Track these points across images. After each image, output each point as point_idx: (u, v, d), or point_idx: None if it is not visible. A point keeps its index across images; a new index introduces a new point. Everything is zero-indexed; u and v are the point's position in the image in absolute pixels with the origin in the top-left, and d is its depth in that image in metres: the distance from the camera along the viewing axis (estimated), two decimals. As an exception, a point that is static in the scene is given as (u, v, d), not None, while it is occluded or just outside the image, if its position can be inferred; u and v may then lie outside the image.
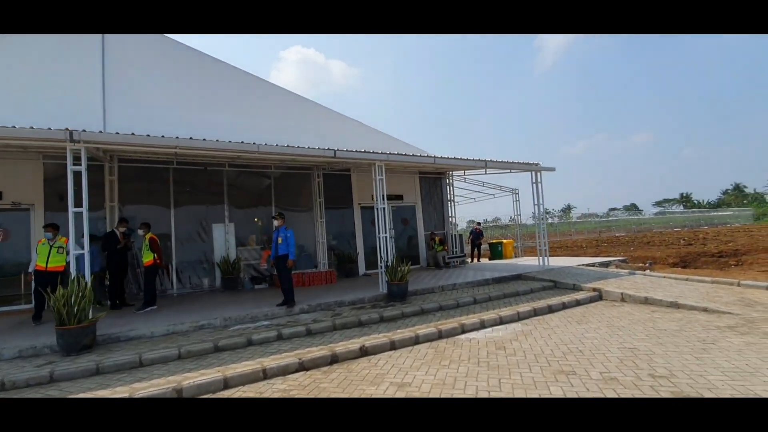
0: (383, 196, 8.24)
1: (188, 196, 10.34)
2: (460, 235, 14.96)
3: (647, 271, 11.88)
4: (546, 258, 11.09)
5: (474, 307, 7.29)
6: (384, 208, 8.27)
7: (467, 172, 14.08)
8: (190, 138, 6.55)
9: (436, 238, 12.97)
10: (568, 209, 72.53)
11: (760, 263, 12.63)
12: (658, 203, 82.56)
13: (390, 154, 8.12)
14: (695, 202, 76.67)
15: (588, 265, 11.56)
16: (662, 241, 23.32)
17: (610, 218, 48.94)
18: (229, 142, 6.71)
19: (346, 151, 7.68)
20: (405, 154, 8.38)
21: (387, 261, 7.96)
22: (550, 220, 52.83)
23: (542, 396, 3.63)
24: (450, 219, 14.48)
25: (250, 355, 5.09)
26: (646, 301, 7.22)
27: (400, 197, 13.45)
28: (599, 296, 7.94)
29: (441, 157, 8.91)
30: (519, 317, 6.66)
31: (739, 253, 14.87)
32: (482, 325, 6.24)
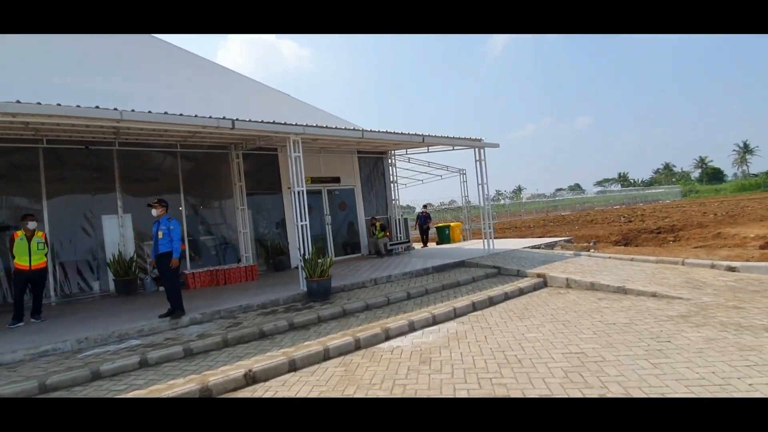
0: (301, 177, 6.94)
1: (66, 184, 8.41)
2: (405, 220, 14.00)
3: (592, 251, 11.57)
4: (491, 241, 10.37)
5: (406, 304, 6.28)
6: (302, 191, 6.97)
7: (410, 151, 13.03)
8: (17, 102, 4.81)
9: (377, 224, 11.89)
10: (518, 190, 74.93)
11: (695, 238, 12.80)
12: (599, 183, 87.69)
13: (307, 126, 6.78)
14: (632, 181, 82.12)
15: (534, 247, 11.01)
16: (604, 218, 23.94)
17: (556, 198, 50.67)
18: (78, 107, 5.03)
19: (249, 121, 6.24)
20: (326, 127, 7.08)
21: (305, 253, 6.72)
22: (502, 201, 54.10)
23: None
24: (393, 202, 13.43)
25: (92, 393, 3.71)
26: (593, 287, 6.57)
27: (337, 179, 12.16)
28: (544, 283, 7.23)
29: (370, 131, 7.71)
30: (455, 314, 5.73)
31: (675, 229, 15.18)
32: (411, 328, 5.22)
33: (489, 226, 10.47)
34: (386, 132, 7.98)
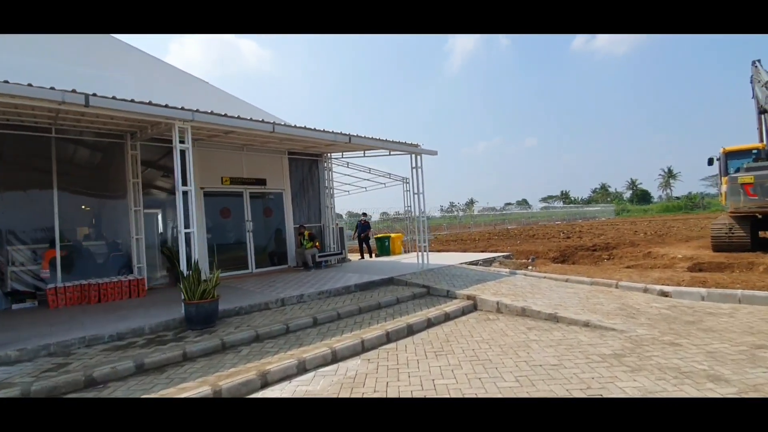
0: (190, 174, 5.66)
1: None
2: (341, 229, 12.94)
3: (530, 268, 11.16)
4: (426, 256, 9.56)
5: (308, 334, 5.18)
6: (189, 192, 5.67)
7: (347, 155, 12.03)
8: None
9: (305, 233, 10.70)
10: (471, 203, 76.82)
11: (628, 257, 12.91)
12: (543, 199, 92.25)
13: (198, 112, 5.53)
14: (572, 198, 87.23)
15: (471, 263, 10.37)
16: (545, 234, 24.37)
17: (505, 212, 52.05)
18: None
19: (113, 99, 4.88)
20: (225, 115, 5.85)
21: (185, 268, 5.42)
22: (455, 213, 54.82)
23: None
24: (328, 209, 12.31)
25: None
26: (524, 313, 5.86)
27: (262, 182, 10.84)
28: (473, 306, 6.45)
29: (284, 125, 6.60)
30: (363, 347, 4.72)
31: (610, 247, 15.40)
32: (301, 369, 4.13)
33: (424, 240, 9.67)
34: (304, 128, 6.88)
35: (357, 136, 7.67)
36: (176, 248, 9.18)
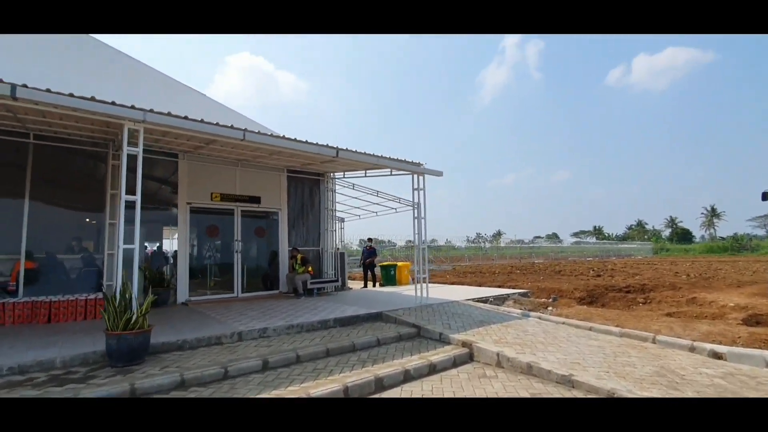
0: (138, 181, 4.94)
1: None
2: (342, 254, 11.98)
3: (550, 309, 9.74)
4: (425, 289, 8.39)
5: (248, 382, 4.15)
6: (136, 202, 4.93)
7: (349, 175, 11.24)
8: None
9: (298, 256, 9.80)
10: (498, 235, 74.45)
11: (668, 302, 11.17)
12: (575, 234, 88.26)
13: (150, 112, 4.83)
14: (606, 234, 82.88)
15: (479, 299, 9.08)
16: (573, 270, 22.44)
17: (534, 245, 49.68)
18: None
19: (49, 92, 4.26)
20: (185, 118, 5.12)
21: (119, 293, 4.58)
22: (481, 244, 52.85)
23: None
24: (327, 232, 11.43)
25: None
26: (530, 371, 4.61)
27: (256, 199, 10.14)
28: (468, 355, 5.24)
29: (256, 133, 5.81)
30: (309, 407, 3.62)
31: (646, 289, 13.59)
32: (211, 437, 3.08)
33: (424, 271, 8.54)
34: (283, 138, 6.09)
35: (346, 150, 6.82)
36: (148, 268, 8.52)
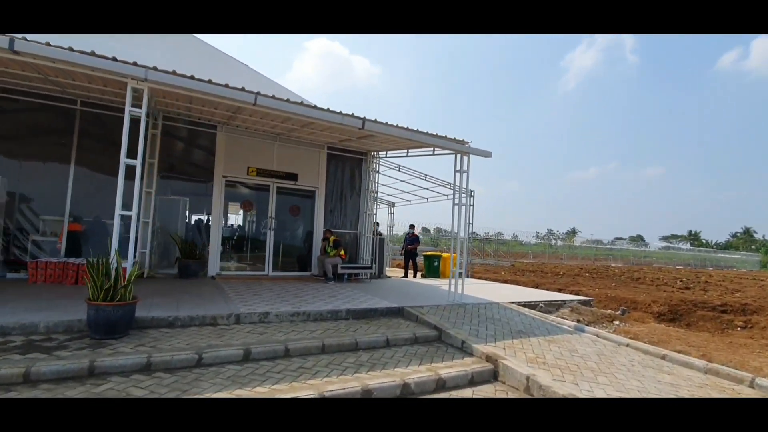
0: (140, 144, 4.64)
1: None
2: (382, 240, 11.31)
3: (615, 323, 8.18)
4: (460, 286, 7.38)
5: (219, 374, 3.63)
6: (136, 166, 4.63)
7: (390, 154, 10.42)
8: None
9: (331, 238, 9.30)
10: (572, 233, 68.65)
11: (778, 330, 8.87)
12: (665, 238, 78.08)
13: (153, 69, 4.45)
14: (704, 241, 72.24)
15: (526, 303, 7.83)
16: (654, 279, 19.40)
17: (613, 247, 44.73)
18: None
19: (48, 46, 4.02)
20: (192, 78, 4.67)
21: (101, 260, 4.32)
22: (552, 242, 48.84)
23: None
24: (365, 215, 10.79)
25: None
26: (566, 408, 3.51)
27: (293, 176, 9.79)
28: (492, 374, 4.26)
29: (271, 97, 5.22)
30: (269, 418, 3.00)
31: (748, 310, 11.04)
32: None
33: (461, 266, 7.52)
34: (301, 104, 5.41)
35: (375, 121, 6.00)
36: (180, 238, 8.54)
